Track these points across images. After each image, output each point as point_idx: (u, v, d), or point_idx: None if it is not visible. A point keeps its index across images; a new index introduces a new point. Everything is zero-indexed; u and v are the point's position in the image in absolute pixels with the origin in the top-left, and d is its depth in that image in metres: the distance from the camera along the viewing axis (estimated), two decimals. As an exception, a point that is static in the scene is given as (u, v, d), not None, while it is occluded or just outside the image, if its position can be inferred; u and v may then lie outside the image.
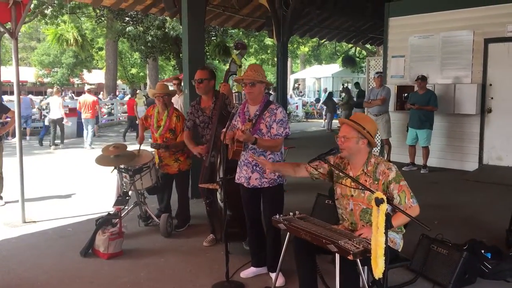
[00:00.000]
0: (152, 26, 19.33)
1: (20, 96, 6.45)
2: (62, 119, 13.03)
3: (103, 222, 4.59)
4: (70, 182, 8.09)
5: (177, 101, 8.12)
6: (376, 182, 3.05)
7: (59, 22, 21.23)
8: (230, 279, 3.78)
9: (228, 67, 4.49)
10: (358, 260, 2.70)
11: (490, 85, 8.46)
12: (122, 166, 5.16)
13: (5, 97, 19.83)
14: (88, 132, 13.06)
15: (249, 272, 4.00)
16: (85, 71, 39.10)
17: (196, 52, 6.75)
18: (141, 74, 35.50)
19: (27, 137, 14.94)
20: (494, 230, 5.01)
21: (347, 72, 31.21)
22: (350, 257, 2.63)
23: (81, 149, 12.95)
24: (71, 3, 15.65)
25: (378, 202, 2.55)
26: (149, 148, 5.46)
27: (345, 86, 24.33)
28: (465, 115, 8.62)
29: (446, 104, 8.69)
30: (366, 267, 2.99)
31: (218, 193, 4.45)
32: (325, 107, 19.20)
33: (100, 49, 32.86)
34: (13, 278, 4.02)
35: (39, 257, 4.50)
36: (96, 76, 39.51)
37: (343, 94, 20.12)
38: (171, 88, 6.53)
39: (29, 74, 39.65)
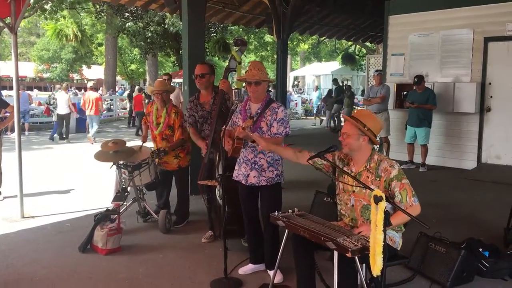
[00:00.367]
0: (152, 22, 19.31)
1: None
2: (69, 114, 13.49)
3: (102, 218, 4.59)
4: (68, 178, 8.08)
5: (177, 97, 8.12)
6: (378, 179, 3.06)
7: (59, 17, 21.21)
8: (228, 275, 3.78)
9: (227, 63, 4.49)
10: (356, 257, 2.71)
11: (490, 83, 8.46)
12: (121, 162, 5.16)
13: (4, 92, 19.77)
14: (93, 127, 13.30)
15: (247, 268, 4.00)
16: (84, 66, 39.08)
17: (196, 48, 6.74)
18: (141, 70, 35.48)
19: (26, 132, 14.92)
20: (492, 229, 5.02)
21: (347, 69, 31.17)
22: (349, 255, 2.64)
23: (79, 145, 12.96)
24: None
25: (377, 199, 2.55)
26: (148, 144, 5.46)
27: (345, 84, 24.33)
28: (464, 113, 8.63)
29: (445, 102, 8.69)
30: (364, 265, 3.00)
31: (217, 190, 4.45)
32: (324, 105, 19.17)
33: (100, 44, 32.82)
34: (11, 273, 4.03)
35: (38, 252, 4.50)
36: (95, 72, 39.47)
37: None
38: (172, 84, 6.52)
39: (29, 69, 39.65)
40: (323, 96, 21.48)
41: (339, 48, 29.97)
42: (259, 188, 3.79)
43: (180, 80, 21.90)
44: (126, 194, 5.06)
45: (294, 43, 32.09)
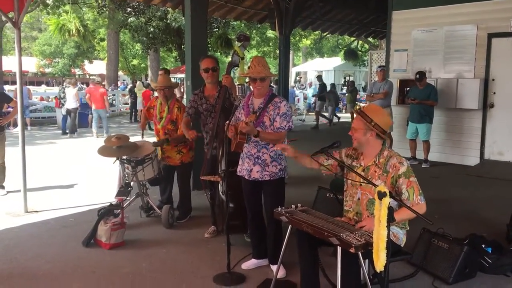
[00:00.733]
0: (154, 17, 19.28)
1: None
2: (76, 109, 13.82)
3: (105, 212, 4.61)
4: (72, 172, 8.10)
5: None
6: (385, 174, 3.08)
7: (61, 12, 21.18)
8: (231, 270, 3.80)
9: (230, 59, 4.49)
10: (359, 253, 2.71)
11: (493, 80, 8.44)
12: (124, 157, 5.17)
13: (6, 87, 19.80)
14: (94, 121, 13.57)
15: (250, 263, 4.02)
16: (86, 61, 39.05)
17: (198, 43, 6.73)
18: (143, 65, 35.46)
19: (28, 127, 14.95)
20: (495, 225, 5.03)
21: (349, 65, 31.12)
22: (352, 250, 2.64)
23: (83, 139, 12.99)
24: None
25: (381, 195, 2.56)
26: (151, 139, 5.46)
27: (347, 80, 24.28)
28: (467, 109, 8.61)
29: (448, 98, 8.68)
30: (367, 260, 3.01)
31: (220, 185, 4.46)
32: (318, 102, 19.01)
33: (102, 39, 32.78)
34: (15, 267, 4.05)
35: (41, 247, 4.52)
36: (97, 67, 39.45)
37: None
38: (173, 80, 6.54)
39: (31, 64, 39.62)
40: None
41: (342, 44, 29.87)
42: (262, 183, 3.79)
43: (183, 75, 21.91)
44: (129, 189, 5.07)
45: (296, 38, 32.02)
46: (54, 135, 14.03)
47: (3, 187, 6.56)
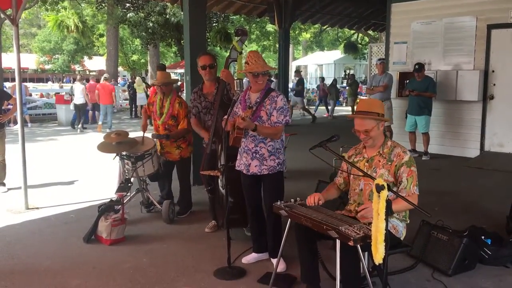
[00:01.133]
0: (153, 12, 19.23)
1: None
2: (85, 104, 14.21)
3: (106, 208, 4.62)
4: (72, 169, 8.12)
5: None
6: (390, 163, 3.14)
7: (60, 9, 21.13)
8: (231, 264, 3.81)
9: (228, 54, 4.49)
10: (358, 246, 2.72)
11: (493, 71, 8.43)
12: (124, 153, 5.18)
13: (6, 84, 19.81)
14: (107, 116, 14.05)
15: (250, 258, 4.03)
16: (86, 57, 39.00)
17: (197, 38, 6.72)
18: (142, 60, 35.41)
19: (29, 124, 14.99)
20: (494, 217, 5.04)
21: (349, 58, 31.06)
22: (351, 243, 2.65)
23: (83, 136, 13.01)
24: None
25: (379, 188, 2.57)
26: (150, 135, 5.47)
27: (348, 73, 24.21)
28: (467, 101, 8.60)
29: (448, 90, 8.67)
30: (366, 253, 3.02)
31: (219, 180, 4.47)
32: (328, 94, 18.91)
33: (101, 35, 32.75)
34: (16, 264, 4.07)
35: (42, 243, 4.54)
36: (97, 63, 39.41)
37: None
38: (173, 75, 6.53)
39: (30, 61, 39.61)
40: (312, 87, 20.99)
41: (342, 37, 29.79)
42: (261, 177, 3.80)
43: (182, 70, 21.88)
44: (129, 184, 5.08)
45: (296, 32, 31.94)
46: (55, 131, 14.06)
47: (3, 184, 6.58)
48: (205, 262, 4.04)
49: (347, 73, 30.12)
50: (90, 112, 15.20)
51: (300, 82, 17.05)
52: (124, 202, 4.84)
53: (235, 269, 3.82)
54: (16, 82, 5.76)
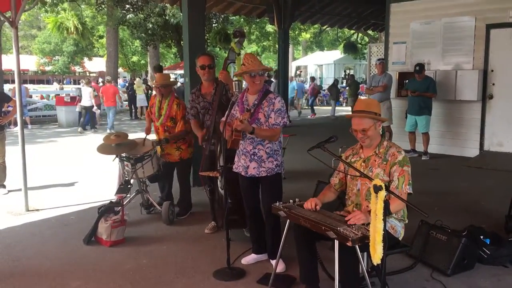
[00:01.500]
0: (153, 13, 19.25)
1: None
2: (92, 106, 14.53)
3: (106, 210, 4.63)
4: (72, 171, 8.13)
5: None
6: (385, 163, 3.16)
7: (59, 10, 21.15)
8: (231, 265, 3.82)
9: (227, 55, 4.51)
10: (357, 246, 2.73)
11: (492, 71, 8.43)
12: (123, 155, 5.19)
13: (7, 86, 19.83)
14: (108, 118, 14.50)
15: (250, 258, 4.04)
16: (86, 59, 39.02)
17: (196, 39, 6.73)
18: (142, 62, 35.42)
19: (29, 126, 15.01)
20: (493, 216, 5.05)
21: (349, 58, 31.07)
22: (349, 244, 2.66)
23: (83, 137, 13.03)
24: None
25: (377, 189, 2.58)
26: (150, 136, 5.48)
27: (348, 73, 24.18)
28: (466, 101, 8.61)
29: (447, 90, 8.67)
30: (365, 253, 3.03)
31: (218, 181, 4.48)
32: (329, 94, 18.89)
33: (101, 37, 32.77)
34: (17, 266, 4.08)
35: (43, 245, 4.55)
36: (97, 64, 39.44)
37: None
38: (173, 76, 6.54)
39: (30, 63, 39.66)
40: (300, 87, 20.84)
41: (341, 37, 29.78)
42: (259, 179, 3.81)
43: (182, 71, 21.89)
44: (129, 186, 5.08)
45: (296, 32, 31.94)
46: (55, 133, 14.07)
47: (4, 186, 6.59)
48: (204, 263, 4.05)
49: (347, 73, 30.09)
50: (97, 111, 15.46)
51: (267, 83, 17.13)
52: (124, 203, 4.86)
53: (234, 270, 3.83)
54: (16, 84, 5.78)
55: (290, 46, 28.33)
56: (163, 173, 5.41)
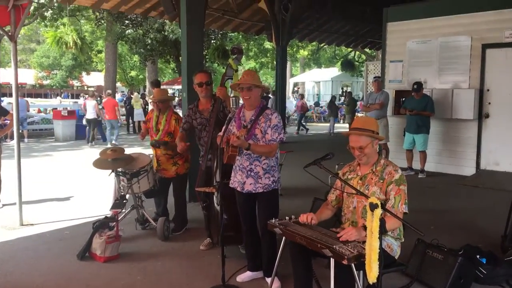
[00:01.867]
0: (152, 29, 19.39)
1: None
2: (96, 119, 14.56)
3: (100, 225, 4.60)
4: (68, 185, 8.09)
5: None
6: (382, 181, 3.16)
7: (59, 25, 21.27)
8: (226, 283, 3.79)
9: (224, 71, 4.54)
10: (352, 264, 2.72)
11: (488, 90, 8.50)
12: (119, 170, 5.18)
13: (5, 99, 19.83)
14: (108, 131, 14.61)
15: (245, 276, 4.01)
16: (84, 73, 39.15)
17: (195, 55, 6.78)
18: (141, 76, 35.57)
19: (25, 139, 14.97)
20: (490, 235, 5.03)
21: (347, 76, 31.27)
22: (345, 262, 2.65)
23: (79, 152, 12.99)
24: (71, 6, 15.69)
25: (373, 207, 2.58)
26: (147, 151, 5.47)
27: (345, 90, 24.31)
28: (462, 120, 8.65)
29: (443, 109, 8.72)
30: (361, 272, 3.01)
31: (214, 197, 4.46)
32: (328, 111, 18.97)
33: (100, 51, 32.91)
34: (9, 281, 4.03)
35: (36, 260, 4.51)
36: (95, 78, 39.58)
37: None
38: (171, 91, 6.57)
39: (29, 76, 39.76)
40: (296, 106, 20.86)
41: (339, 54, 30.00)
42: (256, 195, 3.80)
43: (180, 87, 21.96)
44: (124, 201, 5.06)
45: (294, 49, 32.20)
46: (51, 147, 14.03)
47: (-2, 200, 6.55)
48: (199, 280, 4.02)
49: (344, 90, 30.26)
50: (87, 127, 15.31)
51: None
52: (119, 219, 4.82)
53: (229, 287, 3.79)
54: (14, 98, 5.78)
55: (288, 63, 28.50)
56: (159, 189, 5.39)
